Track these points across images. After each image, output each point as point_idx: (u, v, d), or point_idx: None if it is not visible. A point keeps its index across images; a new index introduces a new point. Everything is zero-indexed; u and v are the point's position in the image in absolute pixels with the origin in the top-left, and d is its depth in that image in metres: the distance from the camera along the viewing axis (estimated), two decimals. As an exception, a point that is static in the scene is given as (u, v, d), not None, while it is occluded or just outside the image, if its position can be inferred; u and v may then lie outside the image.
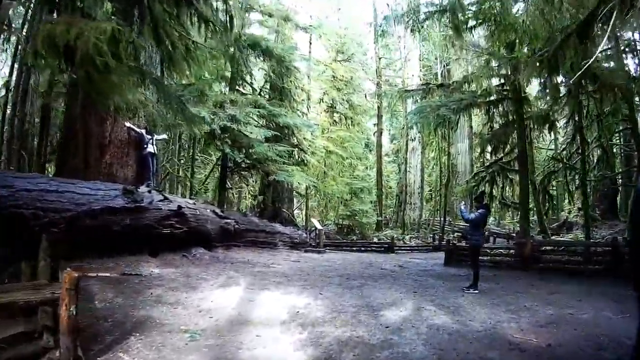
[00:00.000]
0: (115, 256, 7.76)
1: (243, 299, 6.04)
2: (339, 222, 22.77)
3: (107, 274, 6.80)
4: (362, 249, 16.85)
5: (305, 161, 18.13)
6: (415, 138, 28.55)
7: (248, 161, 13.53)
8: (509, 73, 11.72)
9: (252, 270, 8.66)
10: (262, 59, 14.71)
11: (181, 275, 7.41)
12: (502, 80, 12.29)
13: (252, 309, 5.54)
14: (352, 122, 26.17)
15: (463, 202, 8.72)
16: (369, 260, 12.32)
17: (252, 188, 24.39)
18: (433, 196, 31.99)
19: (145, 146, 9.91)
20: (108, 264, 7.40)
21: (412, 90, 12.62)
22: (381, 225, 24.74)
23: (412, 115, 11.58)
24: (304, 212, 25.22)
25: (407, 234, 23.58)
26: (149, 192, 8.96)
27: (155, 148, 10.12)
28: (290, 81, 18.54)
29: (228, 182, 25.83)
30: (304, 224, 21.99)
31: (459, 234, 20.22)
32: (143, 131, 9.91)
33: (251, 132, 12.54)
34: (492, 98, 11.97)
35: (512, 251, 11.65)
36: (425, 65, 30.32)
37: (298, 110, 20.39)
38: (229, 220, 11.00)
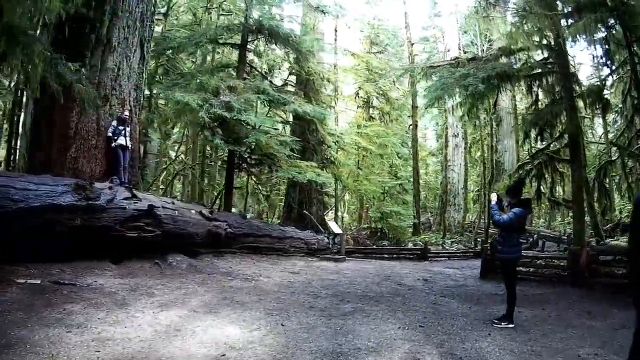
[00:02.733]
0: (66, 262, 6.52)
1: (169, 328, 4.34)
2: (371, 225, 20.72)
3: (38, 282, 5.54)
4: (394, 256, 14.80)
5: (333, 158, 16.37)
6: (458, 134, 26.22)
7: (255, 157, 11.99)
8: (552, 42, 9.38)
9: (225, 284, 6.94)
10: (272, 42, 13.14)
11: (126, 288, 5.89)
12: (546, 54, 9.92)
13: (166, 345, 3.82)
14: (389, 117, 24.12)
15: (495, 196, 5.72)
16: (390, 272, 10.21)
17: (283, 189, 22.95)
18: (480, 197, 29.12)
19: (116, 138, 8.69)
20: (51, 270, 6.11)
21: (439, 65, 10.36)
22: (419, 229, 22.30)
23: (432, 90, 9.34)
24: (339, 215, 23.42)
25: (449, 238, 21.11)
26: (110, 188, 7.57)
27: (127, 140, 8.83)
28: (315, 72, 16.91)
29: (258, 185, 24.51)
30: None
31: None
32: (114, 121, 8.76)
33: (248, 123, 10.85)
34: (534, 72, 9.56)
35: (562, 262, 9.11)
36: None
37: (324, 103, 18.61)
38: (218, 223, 9.39)
